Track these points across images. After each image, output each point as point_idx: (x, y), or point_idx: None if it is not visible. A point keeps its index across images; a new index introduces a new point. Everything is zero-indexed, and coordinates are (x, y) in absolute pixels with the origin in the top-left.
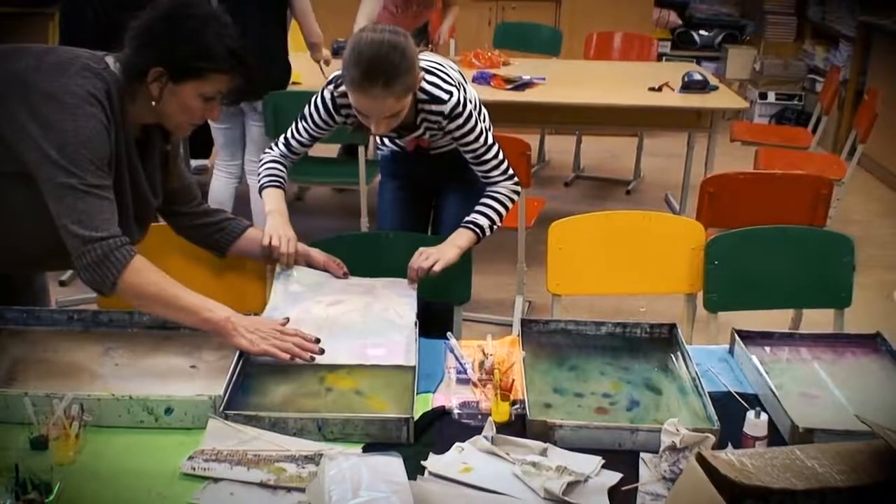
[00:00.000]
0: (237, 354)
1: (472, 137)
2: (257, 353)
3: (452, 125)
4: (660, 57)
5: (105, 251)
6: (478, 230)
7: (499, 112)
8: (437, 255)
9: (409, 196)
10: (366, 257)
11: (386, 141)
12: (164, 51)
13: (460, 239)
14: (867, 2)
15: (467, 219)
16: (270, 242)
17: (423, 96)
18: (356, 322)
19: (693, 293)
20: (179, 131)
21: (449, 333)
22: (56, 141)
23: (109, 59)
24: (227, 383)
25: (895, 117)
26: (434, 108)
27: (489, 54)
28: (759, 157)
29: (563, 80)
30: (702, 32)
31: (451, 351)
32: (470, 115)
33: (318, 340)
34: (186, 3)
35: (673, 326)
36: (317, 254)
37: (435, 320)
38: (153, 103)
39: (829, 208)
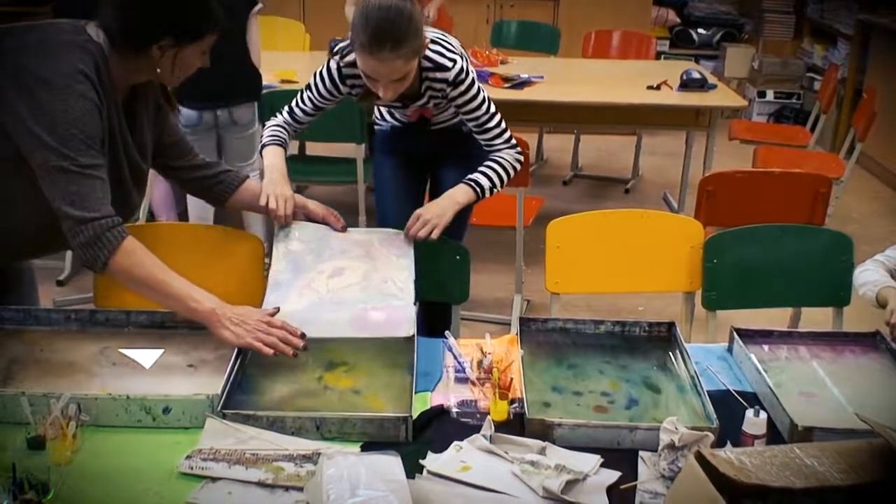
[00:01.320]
0: (235, 353)
1: (475, 105)
2: (241, 346)
3: (456, 92)
4: (658, 55)
5: (97, 232)
6: (477, 188)
7: (498, 110)
8: (436, 221)
9: (406, 174)
10: None
11: (386, 115)
12: (175, 22)
13: (459, 194)
14: (866, 0)
15: (469, 177)
16: (268, 205)
17: (428, 64)
18: (357, 295)
19: (692, 291)
20: (176, 84)
21: (447, 332)
22: (47, 123)
23: (91, 30)
24: (224, 382)
25: (894, 116)
26: (438, 75)
27: (487, 52)
28: (757, 156)
29: (561, 79)
30: (700, 31)
31: (450, 350)
32: (473, 82)
33: (303, 336)
34: None
35: (672, 325)
36: (314, 206)
37: (433, 319)
38: (157, 70)
39: (828, 207)
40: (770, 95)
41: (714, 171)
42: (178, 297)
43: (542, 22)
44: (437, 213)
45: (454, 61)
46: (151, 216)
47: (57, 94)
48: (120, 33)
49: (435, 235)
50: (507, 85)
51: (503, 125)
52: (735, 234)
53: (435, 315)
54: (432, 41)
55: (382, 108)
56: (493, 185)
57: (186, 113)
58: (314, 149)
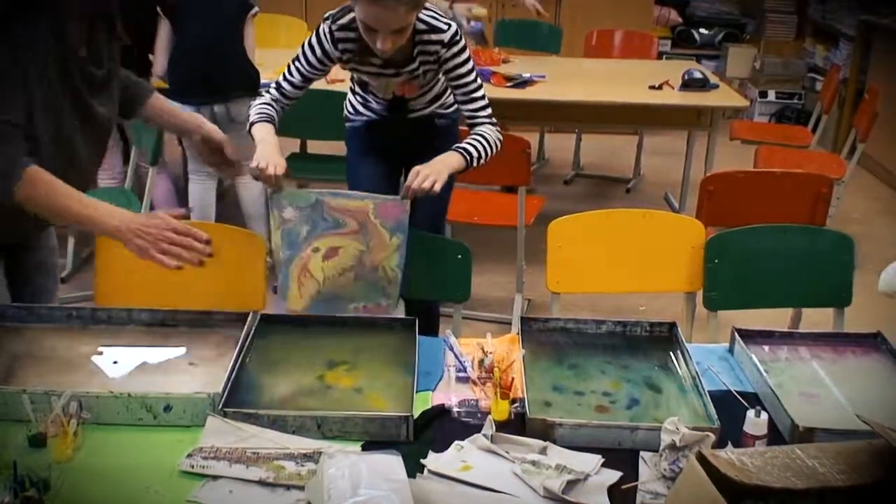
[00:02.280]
0: (236, 351)
1: (465, 69)
2: (145, 259)
3: (449, 53)
4: (660, 55)
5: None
6: (467, 156)
7: (499, 110)
8: (435, 176)
9: (381, 171)
10: None
11: (359, 106)
12: None
13: (451, 159)
14: (867, 0)
15: (457, 145)
16: (258, 166)
17: (423, 26)
18: (351, 290)
19: (693, 292)
20: None
21: (448, 331)
22: None
23: None
24: (226, 381)
25: (895, 116)
26: (433, 37)
27: (489, 51)
28: (758, 156)
29: (563, 78)
30: (702, 31)
31: (451, 349)
32: (465, 46)
33: (208, 241)
34: None
35: (673, 325)
36: None
37: (431, 318)
38: None
39: (829, 207)
40: (772, 95)
41: (715, 171)
42: (83, 222)
43: (543, 21)
44: (435, 169)
45: (449, 25)
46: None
47: None
48: None
49: (437, 188)
50: (509, 84)
51: (487, 99)
52: (736, 234)
53: (432, 314)
54: (426, 7)
55: (356, 99)
56: (480, 156)
57: (183, 109)
58: (315, 146)
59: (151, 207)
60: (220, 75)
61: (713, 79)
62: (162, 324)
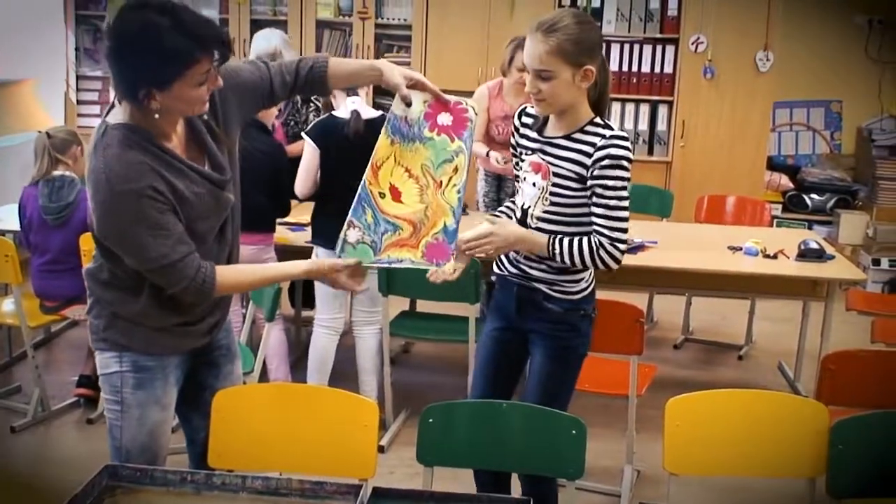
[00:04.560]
0: None
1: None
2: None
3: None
4: (771, 220)
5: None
6: (550, 246)
7: (610, 274)
8: (492, 250)
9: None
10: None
11: None
12: (137, 73)
13: (533, 236)
14: None
15: (556, 235)
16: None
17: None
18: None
19: (813, 478)
20: (197, 112)
21: None
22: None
23: (112, 116)
24: None
25: None
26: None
27: None
28: (875, 328)
29: (674, 244)
30: (813, 196)
31: None
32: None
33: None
34: (126, 18)
35: None
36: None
37: (543, 497)
38: (156, 116)
39: None
40: (885, 263)
41: (836, 349)
42: (280, 279)
43: (655, 185)
44: (504, 238)
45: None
46: (264, 369)
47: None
48: (117, 96)
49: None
50: None
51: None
52: (864, 419)
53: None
54: None
55: None
56: (564, 255)
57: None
58: (424, 306)
59: (264, 363)
60: None
61: (829, 249)
62: (275, 493)
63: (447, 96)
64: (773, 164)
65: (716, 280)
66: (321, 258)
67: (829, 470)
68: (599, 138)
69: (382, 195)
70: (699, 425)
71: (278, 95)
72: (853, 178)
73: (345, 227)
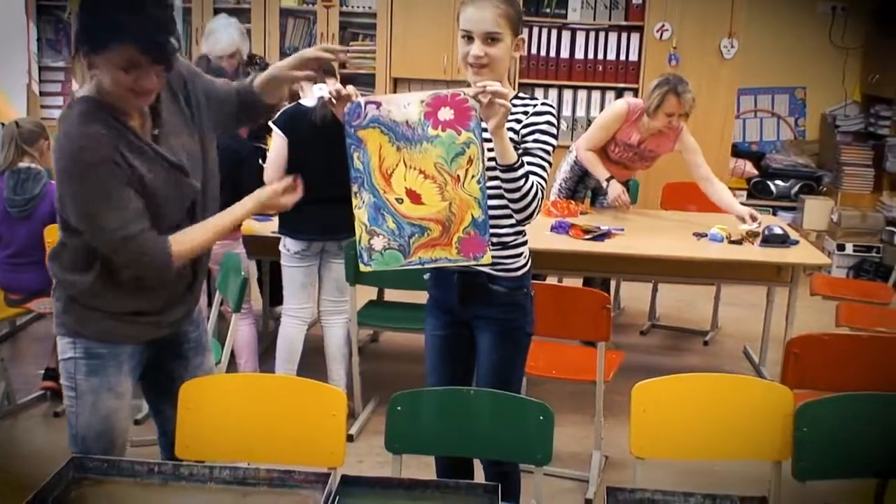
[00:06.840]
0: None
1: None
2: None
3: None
4: None
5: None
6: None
7: (577, 261)
8: (502, 117)
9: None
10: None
11: None
12: (82, 25)
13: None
14: None
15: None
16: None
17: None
18: None
19: (779, 461)
20: (129, 107)
21: (533, 502)
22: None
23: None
24: None
25: None
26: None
27: (566, 203)
28: (840, 313)
29: (641, 231)
30: (778, 182)
31: None
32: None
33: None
34: None
35: (763, 499)
36: None
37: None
38: (90, 77)
39: None
40: (849, 248)
41: (800, 333)
42: (230, 224)
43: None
44: (506, 114)
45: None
46: (232, 360)
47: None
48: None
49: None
50: (587, 236)
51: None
52: (828, 402)
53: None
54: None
55: None
56: (526, 177)
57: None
58: (392, 295)
59: (232, 354)
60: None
61: (794, 235)
62: (242, 482)
63: (443, 91)
64: (738, 151)
65: (681, 266)
66: (287, 241)
67: (795, 453)
68: (531, 107)
69: (400, 201)
70: (665, 410)
71: (240, 120)
72: (817, 164)
73: (364, 235)
